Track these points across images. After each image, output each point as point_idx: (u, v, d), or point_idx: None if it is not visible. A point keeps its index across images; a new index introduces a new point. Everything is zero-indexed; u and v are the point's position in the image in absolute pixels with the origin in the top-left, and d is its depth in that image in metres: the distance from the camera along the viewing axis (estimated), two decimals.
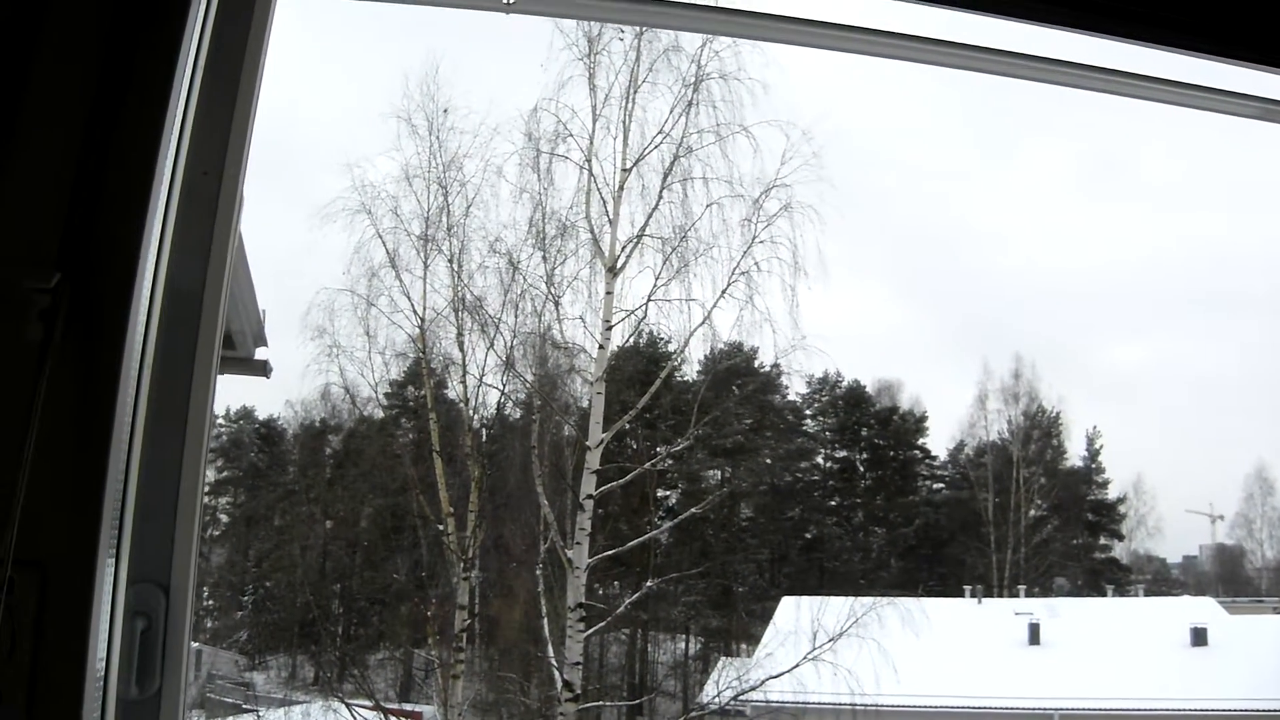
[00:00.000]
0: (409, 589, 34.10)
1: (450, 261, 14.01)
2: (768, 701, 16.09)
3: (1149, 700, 32.91)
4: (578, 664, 12.83)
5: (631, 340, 14.78)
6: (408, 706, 30.52)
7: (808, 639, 14.60)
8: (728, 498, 49.56)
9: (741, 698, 14.50)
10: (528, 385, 14.37)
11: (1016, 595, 47.95)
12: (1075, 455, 65.31)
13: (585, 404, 13.85)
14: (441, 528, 13.11)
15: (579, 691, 12.87)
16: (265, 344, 8.92)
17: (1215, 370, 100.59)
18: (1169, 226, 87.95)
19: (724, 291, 13.14)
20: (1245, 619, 42.51)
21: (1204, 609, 41.54)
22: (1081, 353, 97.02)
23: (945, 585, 52.38)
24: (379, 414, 37.47)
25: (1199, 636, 36.86)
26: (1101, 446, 64.81)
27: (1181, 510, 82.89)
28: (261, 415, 54.01)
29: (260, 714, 21.68)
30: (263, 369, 8.93)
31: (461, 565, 12.92)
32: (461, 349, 14.04)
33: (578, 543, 12.81)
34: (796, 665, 14.39)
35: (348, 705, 13.25)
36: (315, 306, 14.13)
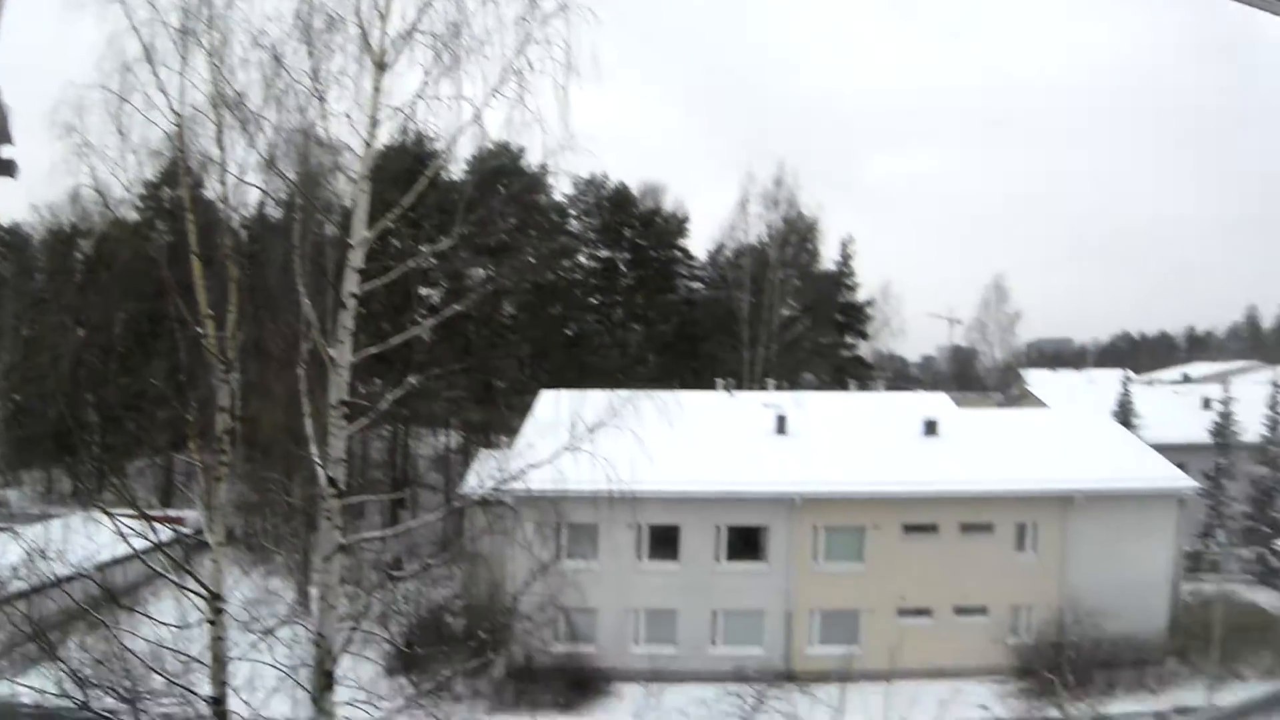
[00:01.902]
0: (167, 394, 33.34)
1: (210, 56, 13.50)
2: (529, 491, 16.60)
3: (884, 484, 35.12)
4: (341, 460, 12.97)
5: (398, 138, 14.64)
6: (171, 512, 30.32)
7: (567, 430, 15.05)
8: (491, 295, 49.68)
9: (502, 487, 14.94)
10: (290, 184, 14.17)
11: (766, 389, 49.66)
12: (829, 259, 67.76)
13: (349, 202, 13.72)
14: (200, 330, 12.83)
15: (343, 487, 13.08)
16: (10, 141, 8.60)
17: (967, 188, 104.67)
18: (952, 54, 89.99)
19: (495, 90, 13.05)
20: (972, 412, 45.28)
21: (936, 403, 43.94)
22: (843, 164, 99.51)
23: (700, 379, 53.98)
24: (133, 216, 35.83)
25: (930, 427, 39.18)
26: (854, 252, 67.32)
27: (924, 314, 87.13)
28: (4, 221, 51.21)
29: (16, 531, 21.16)
30: (8, 169, 8.62)
31: (222, 367, 12.74)
32: (221, 147, 13.59)
33: (340, 341, 12.80)
34: (556, 455, 14.85)
35: (109, 514, 13.12)
36: (63, 103, 13.47)
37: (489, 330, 51.53)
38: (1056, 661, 30.31)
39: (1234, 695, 32.61)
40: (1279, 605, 41.45)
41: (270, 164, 13.74)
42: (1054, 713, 29.72)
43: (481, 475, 15.48)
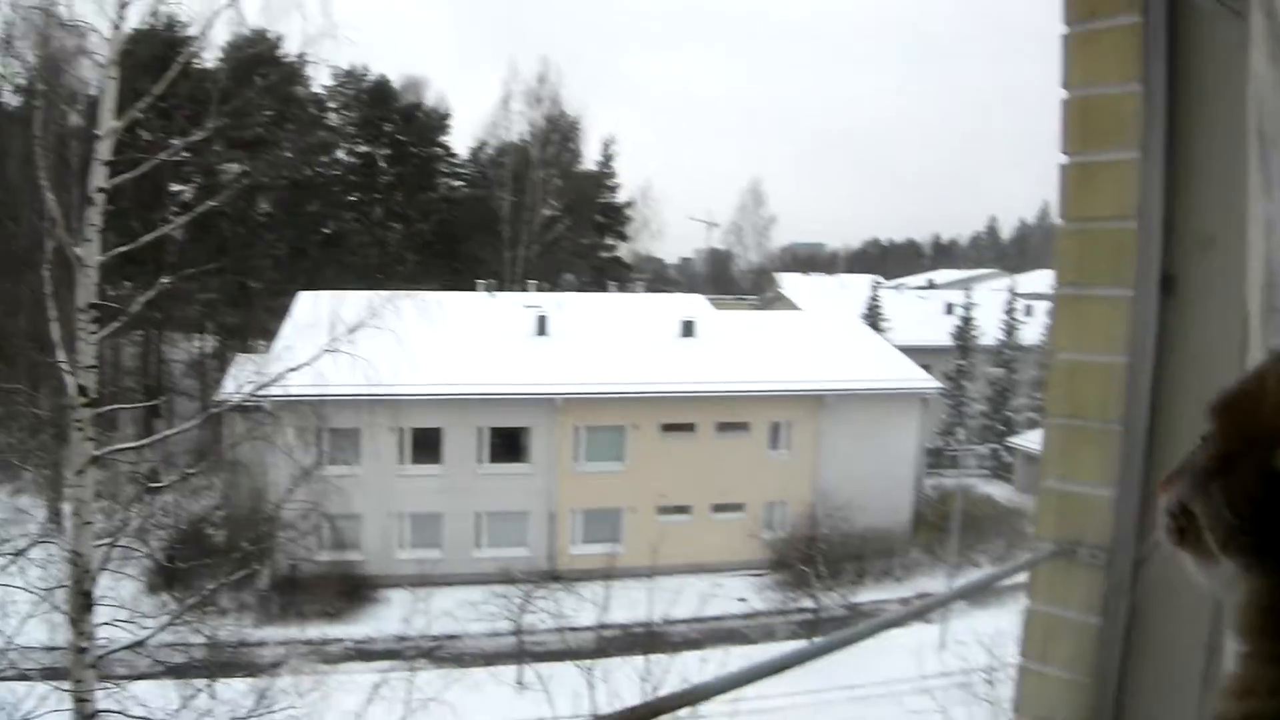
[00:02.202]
0: None
1: None
2: (288, 395, 16.13)
3: (643, 384, 35.39)
4: (91, 368, 12.26)
5: (149, 21, 13.76)
6: None
7: (327, 332, 14.62)
8: (246, 192, 47.86)
9: (261, 393, 14.45)
10: (29, 68, 13.18)
11: (527, 290, 49.44)
12: (590, 160, 67.61)
13: (95, 90, 12.83)
14: None
15: (94, 396, 12.39)
16: None
17: (729, 92, 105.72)
18: None
19: None
20: (728, 314, 46.10)
21: (694, 304, 44.54)
22: (606, 64, 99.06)
23: (460, 279, 53.36)
24: None
25: (687, 329, 39.57)
26: (616, 153, 67.27)
27: (683, 216, 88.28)
28: None
29: None
30: None
31: None
32: None
33: (87, 239, 11.99)
34: (315, 358, 14.39)
35: None
36: None
37: (244, 229, 49.56)
38: (809, 554, 31.46)
39: (968, 579, 34.63)
40: (1010, 498, 44.02)
41: (7, 45, 12.77)
42: (808, 603, 30.90)
43: (239, 380, 14.98)
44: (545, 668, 19.92)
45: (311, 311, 17.01)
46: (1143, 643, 2.57)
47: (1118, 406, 2.51)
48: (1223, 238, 2.31)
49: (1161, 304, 2.41)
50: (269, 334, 41.95)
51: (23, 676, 13.48)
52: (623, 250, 69.34)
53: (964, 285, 61.52)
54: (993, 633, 20.34)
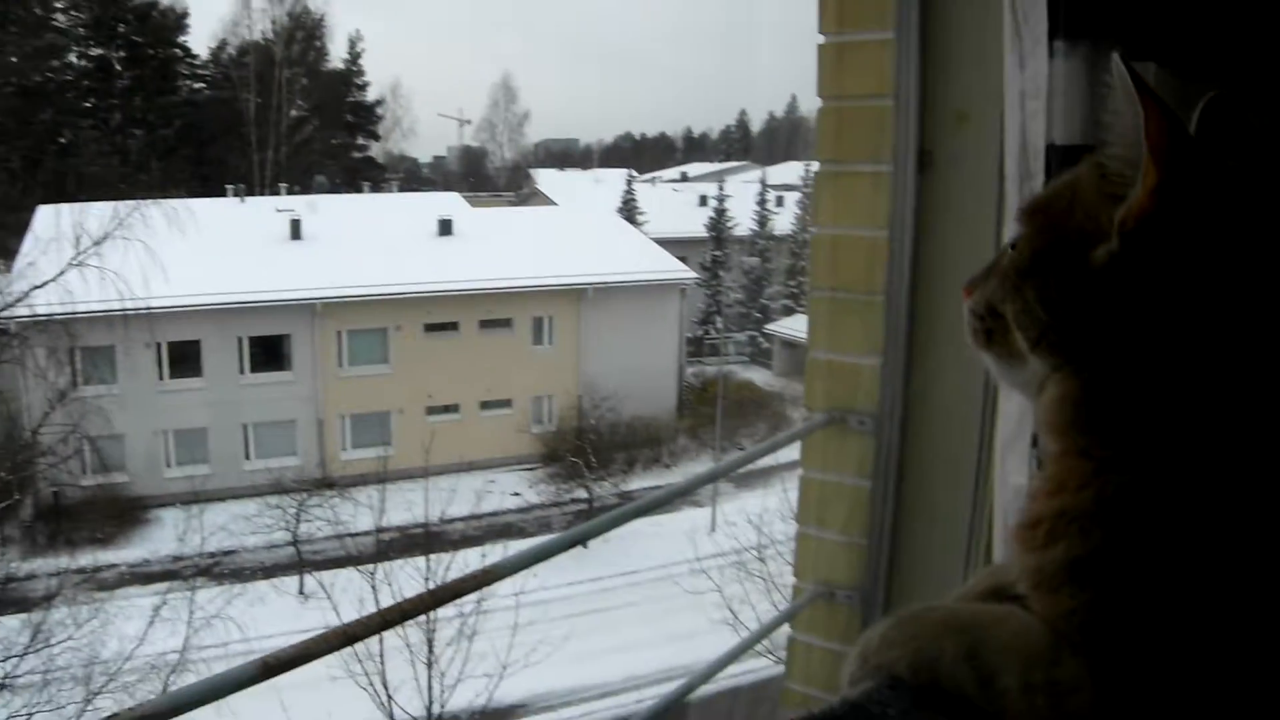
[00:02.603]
0: None
1: None
2: (35, 315, 15.39)
3: (403, 284, 35.13)
4: None
5: None
6: None
7: (71, 246, 13.95)
8: None
9: (5, 313, 13.73)
10: None
11: (278, 194, 48.08)
12: (337, 58, 65.50)
13: None
14: None
15: None
16: None
17: None
18: None
19: None
20: (485, 211, 45.86)
21: (450, 203, 44.13)
22: None
23: (208, 186, 51.43)
24: None
25: (445, 227, 39.21)
26: (363, 50, 65.31)
27: (434, 114, 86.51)
28: None
29: None
30: None
31: None
32: None
33: None
34: (61, 273, 13.77)
35: None
36: None
37: None
38: (579, 446, 31.87)
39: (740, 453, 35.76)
40: (769, 382, 45.39)
41: None
42: (581, 493, 31.36)
43: None
44: (327, 575, 19.71)
45: (53, 226, 16.14)
46: (912, 502, 2.71)
47: (880, 278, 2.61)
48: (976, 114, 2.42)
49: (919, 179, 2.51)
50: (8, 252, 39.66)
51: None
52: (375, 150, 67.87)
53: (716, 178, 62.23)
54: (760, 512, 21.06)
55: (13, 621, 17.76)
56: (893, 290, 2.60)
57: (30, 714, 13.01)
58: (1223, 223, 0.96)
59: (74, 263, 13.75)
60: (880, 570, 2.77)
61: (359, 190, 57.91)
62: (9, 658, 13.32)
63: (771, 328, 49.66)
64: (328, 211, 40.21)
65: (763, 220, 53.28)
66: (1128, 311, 0.97)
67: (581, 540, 1.98)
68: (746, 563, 19.29)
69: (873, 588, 2.78)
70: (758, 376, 46.47)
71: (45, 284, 13.35)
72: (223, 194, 45.35)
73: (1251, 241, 0.96)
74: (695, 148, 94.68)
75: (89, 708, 13.27)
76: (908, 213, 2.53)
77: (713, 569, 18.83)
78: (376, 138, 67.70)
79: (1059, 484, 1.04)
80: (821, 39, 2.59)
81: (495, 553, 18.61)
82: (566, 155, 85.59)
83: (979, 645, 1.05)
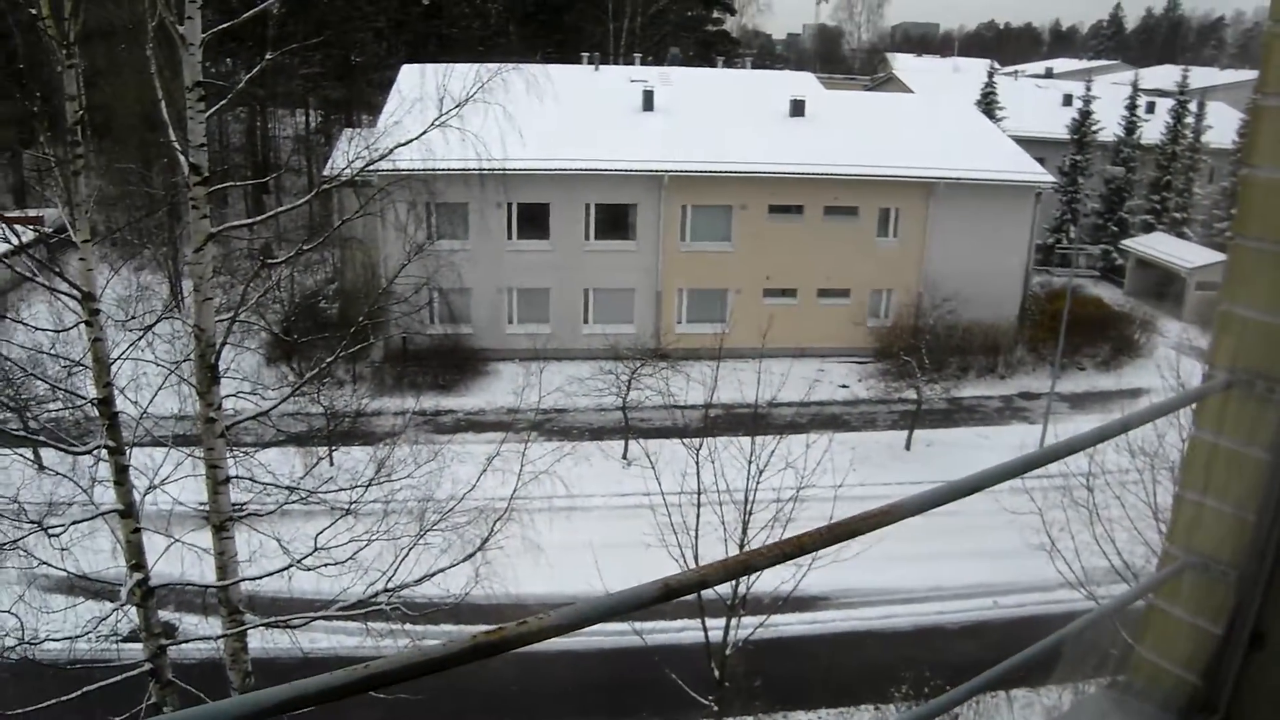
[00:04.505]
0: (7, 86, 31.16)
1: None
2: (397, 170, 16.08)
3: (751, 163, 35.14)
4: (201, 146, 12.23)
5: None
6: (29, 212, 28.94)
7: (434, 106, 14.42)
8: None
9: (370, 168, 14.37)
10: None
11: (632, 63, 48.71)
12: None
13: None
14: (34, 11, 11.53)
15: (206, 174, 12.40)
16: None
17: None
18: None
19: None
20: (839, 94, 45.18)
21: (803, 83, 43.72)
22: None
23: (564, 52, 52.55)
24: None
25: (797, 108, 38.85)
26: None
27: None
28: None
29: None
30: None
31: (64, 52, 11.51)
32: None
33: (189, 17, 11.82)
34: (424, 132, 14.27)
35: None
36: None
37: (343, 1, 48.91)
38: (913, 345, 31.39)
39: (1075, 384, 34.49)
40: (1119, 300, 43.35)
41: None
42: (909, 394, 30.96)
43: (347, 156, 14.89)
44: (652, 444, 20.19)
45: (416, 85, 16.67)
46: None
47: None
48: None
49: None
50: (373, 108, 41.78)
51: (157, 443, 14.00)
52: (729, 24, 67.69)
53: (1083, 76, 59.31)
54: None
55: (360, 453, 19.06)
56: None
57: (370, 540, 13.92)
58: None
59: (436, 122, 14.13)
60: (1266, 551, 2.48)
61: (712, 64, 58.06)
62: (355, 486, 14.23)
63: (1128, 244, 47.19)
64: (680, 84, 40.60)
65: (1130, 127, 50.32)
66: None
67: (976, 489, 1.83)
68: (1072, 489, 18.49)
69: (1254, 568, 2.50)
70: (1106, 293, 44.47)
71: (407, 142, 13.80)
72: (578, 61, 46.26)
73: None
74: (1063, 42, 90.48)
75: (420, 541, 14.07)
76: None
77: (1035, 490, 18.16)
78: (732, 12, 67.48)
79: None
80: None
81: (820, 443, 18.61)
82: (926, 41, 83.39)
83: None
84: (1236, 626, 2.52)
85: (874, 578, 21.89)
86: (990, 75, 54.65)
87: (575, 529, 22.79)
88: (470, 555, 14.36)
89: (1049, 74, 67.50)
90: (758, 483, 17.14)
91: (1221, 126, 51.52)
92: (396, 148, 13.91)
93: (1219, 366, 2.53)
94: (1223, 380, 2.49)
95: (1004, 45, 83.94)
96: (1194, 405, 2.62)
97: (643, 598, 1.44)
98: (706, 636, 17.32)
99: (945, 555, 23.05)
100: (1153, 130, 50.43)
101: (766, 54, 74.80)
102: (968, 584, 23.58)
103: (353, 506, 14.21)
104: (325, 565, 13.78)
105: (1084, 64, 71.50)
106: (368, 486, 14.43)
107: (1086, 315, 37.17)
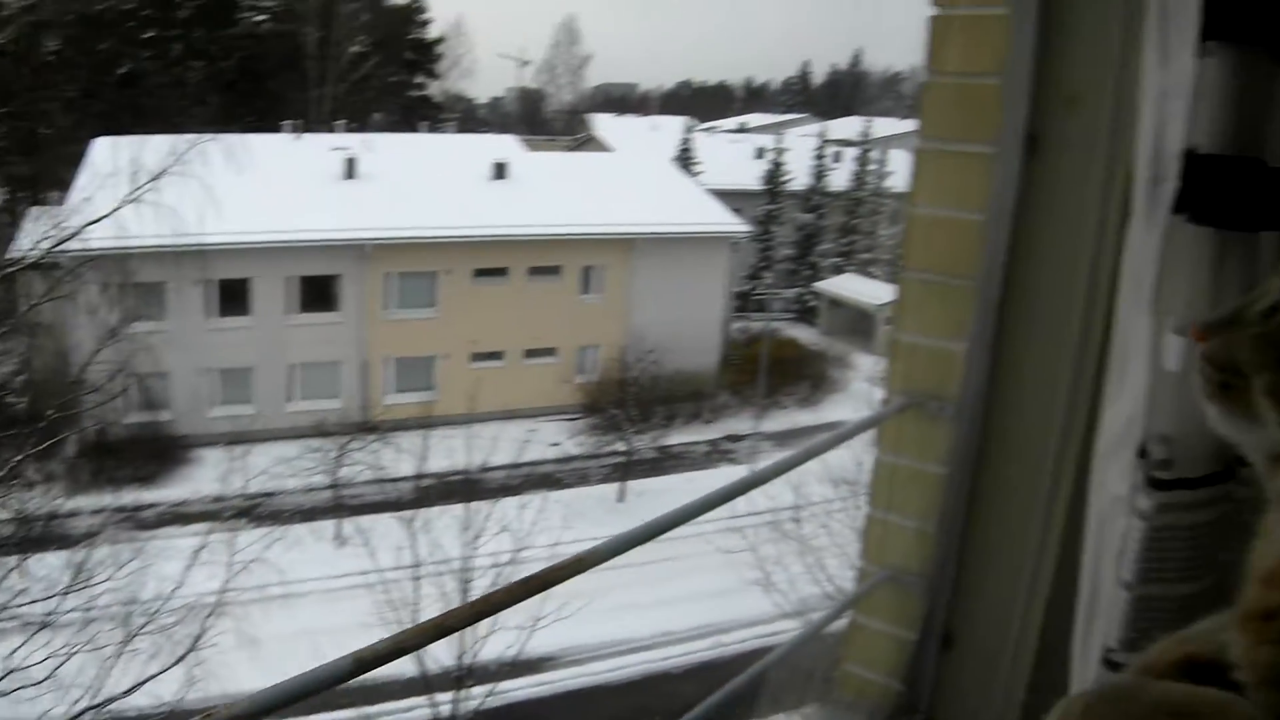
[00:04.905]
0: None
1: None
2: (87, 249, 15.44)
3: (455, 228, 35.09)
4: None
5: None
6: None
7: (128, 180, 13.94)
8: (30, 28, 44.82)
9: (59, 249, 13.74)
10: None
11: (335, 131, 48.08)
12: None
13: None
14: None
15: None
16: None
17: None
18: None
19: None
20: (541, 155, 45.80)
21: (506, 146, 44.06)
22: None
23: (265, 121, 51.41)
24: None
25: (500, 171, 39.05)
26: None
27: (494, 54, 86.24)
28: None
29: None
30: None
31: None
32: None
33: None
34: (116, 209, 13.78)
35: None
36: None
37: (30, 70, 46.34)
38: (621, 398, 31.89)
39: (777, 423, 35.78)
40: (815, 339, 45.27)
41: None
42: (620, 446, 31.40)
43: (34, 235, 14.21)
44: (365, 520, 19.87)
45: (110, 159, 16.11)
46: (986, 492, 2.65)
47: (973, 263, 2.54)
48: (1088, 99, 2.33)
49: (1023, 163, 2.44)
50: (64, 184, 39.80)
51: None
52: (433, 89, 67.69)
53: (775, 130, 61.86)
54: (797, 472, 20.94)
55: (55, 559, 17.93)
56: (985, 276, 2.53)
57: (70, 653, 13.13)
58: None
59: (129, 198, 13.67)
60: (948, 559, 2.73)
61: (415, 130, 57.79)
62: (51, 595, 13.45)
63: (821, 286, 49.44)
64: (383, 151, 40.24)
65: (819, 175, 52.87)
66: None
67: (669, 528, 1.93)
68: (782, 524, 19.24)
69: (938, 576, 2.74)
70: (802, 334, 46.34)
71: (100, 219, 13.30)
72: (279, 130, 45.33)
73: None
74: (755, 98, 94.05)
75: (127, 648, 13.41)
76: (1009, 197, 2.46)
77: (746, 528, 18.77)
78: (435, 76, 67.55)
79: None
80: (933, 10, 2.51)
81: (534, 503, 18.77)
82: (625, 100, 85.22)
83: None
84: (929, 631, 2.74)
85: (601, 631, 22.06)
86: (687, 132, 56.41)
87: (293, 617, 22.00)
88: (182, 657, 13.76)
89: (743, 129, 69.94)
90: (475, 550, 17.14)
91: (902, 172, 54.57)
92: (87, 226, 13.39)
93: (895, 391, 2.76)
94: (899, 404, 2.72)
95: (700, 103, 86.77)
96: (875, 429, 2.85)
97: (335, 675, 1.39)
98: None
99: (669, 601, 23.45)
100: (840, 178, 53.10)
101: (470, 118, 74.90)
102: (692, 626, 24.02)
103: (49, 618, 13.40)
104: (19, 689, 12.88)
105: (776, 118, 74.43)
106: (65, 594, 13.66)
107: (785, 356, 38.68)
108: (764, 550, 19.24)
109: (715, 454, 35.08)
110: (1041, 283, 2.47)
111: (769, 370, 33.37)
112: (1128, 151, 1.81)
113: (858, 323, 46.15)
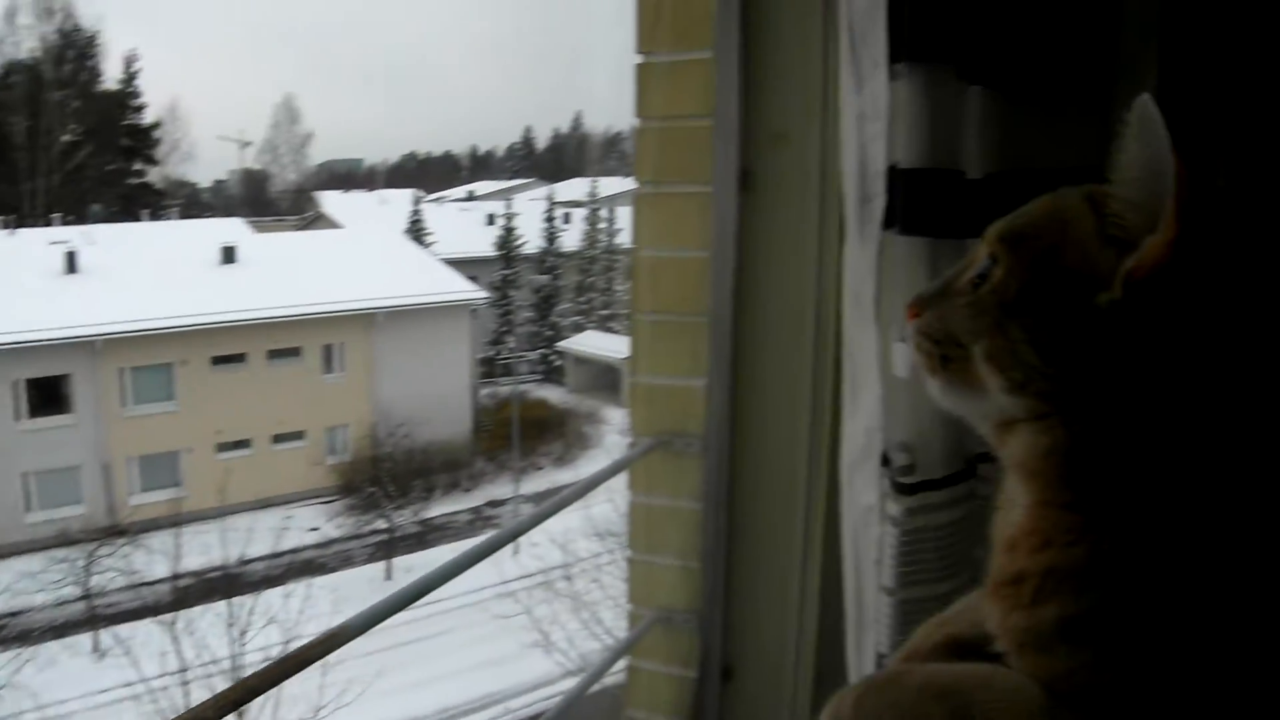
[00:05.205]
0: None
1: None
2: None
3: (186, 317, 34.16)
4: None
5: None
6: None
7: None
8: None
9: None
10: None
11: (51, 224, 46.11)
12: (112, 78, 62.95)
13: None
14: None
15: None
16: None
17: (256, 4, 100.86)
18: None
19: None
20: (269, 236, 44.97)
21: (233, 230, 43.16)
22: None
23: None
24: None
25: (228, 255, 38.24)
26: (139, 69, 62.80)
27: (214, 136, 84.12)
28: None
29: None
30: None
31: None
32: None
33: None
34: None
35: None
36: None
37: None
38: (376, 475, 31.42)
39: (536, 483, 35.86)
40: (564, 399, 45.57)
41: None
42: (381, 523, 30.88)
43: None
44: (124, 629, 18.91)
45: None
46: (743, 523, 2.70)
47: (702, 300, 2.60)
48: (796, 133, 2.42)
49: (740, 199, 2.51)
50: None
51: None
52: (153, 175, 65.44)
53: (503, 196, 62.21)
54: (563, 530, 21.06)
55: None
56: (716, 311, 2.58)
57: None
58: (1233, 278, 0.93)
59: None
60: (716, 593, 2.76)
61: (137, 218, 55.77)
62: None
63: (563, 345, 49.86)
64: (105, 242, 38.73)
65: (551, 237, 53.36)
66: (1129, 364, 0.94)
67: (421, 594, 1.89)
68: (554, 583, 19.26)
69: (709, 609, 2.77)
70: (551, 394, 46.56)
71: None
72: None
73: (1259, 297, 0.94)
74: (481, 166, 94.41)
75: None
76: (729, 233, 2.53)
77: (519, 591, 18.72)
78: (155, 162, 65.37)
79: (1044, 538, 1.00)
80: (639, 59, 2.57)
81: (299, 591, 18.22)
82: (351, 176, 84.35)
83: (967, 709, 1.01)
84: (708, 665, 2.76)
85: (382, 714, 21.54)
86: (416, 204, 56.16)
87: None
88: None
89: (471, 196, 69.96)
90: (243, 646, 16.57)
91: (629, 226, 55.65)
92: None
93: (640, 433, 2.80)
94: (645, 445, 2.75)
95: (427, 174, 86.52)
96: (626, 473, 2.87)
97: None
98: None
99: (448, 675, 23.05)
100: (572, 238, 53.79)
101: (195, 203, 72.65)
102: (476, 697, 23.67)
103: None
104: None
105: (504, 184, 74.72)
106: None
107: (536, 417, 38.82)
108: (539, 611, 19.20)
109: (479, 521, 34.81)
110: (771, 310, 2.54)
111: (522, 433, 33.41)
112: (838, 177, 1.88)
113: (604, 377, 46.65)
